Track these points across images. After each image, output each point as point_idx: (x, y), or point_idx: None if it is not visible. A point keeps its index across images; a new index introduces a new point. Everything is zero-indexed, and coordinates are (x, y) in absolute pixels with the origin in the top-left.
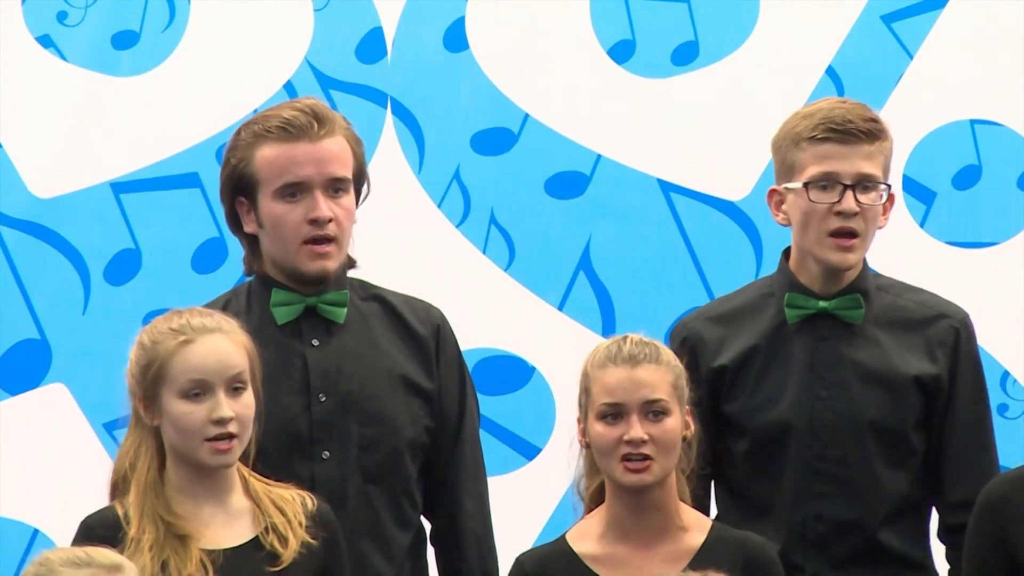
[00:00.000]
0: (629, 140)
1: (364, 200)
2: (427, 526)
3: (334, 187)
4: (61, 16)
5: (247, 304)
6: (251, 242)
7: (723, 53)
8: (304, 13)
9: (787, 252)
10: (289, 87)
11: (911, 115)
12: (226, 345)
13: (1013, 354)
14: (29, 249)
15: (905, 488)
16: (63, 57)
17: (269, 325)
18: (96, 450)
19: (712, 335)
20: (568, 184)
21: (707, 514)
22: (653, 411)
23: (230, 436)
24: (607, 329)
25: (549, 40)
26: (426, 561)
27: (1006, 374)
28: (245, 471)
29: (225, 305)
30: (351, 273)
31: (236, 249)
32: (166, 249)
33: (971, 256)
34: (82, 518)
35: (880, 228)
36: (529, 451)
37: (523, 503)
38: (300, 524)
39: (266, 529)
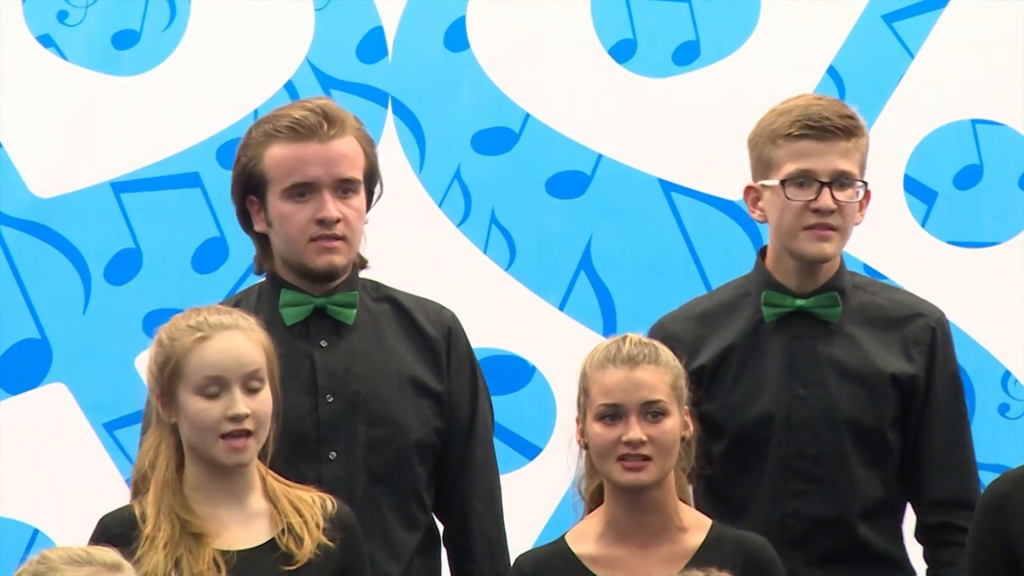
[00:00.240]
0: (630, 140)
1: (377, 201)
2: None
3: (343, 187)
4: (61, 16)
5: (257, 304)
6: (262, 241)
7: (724, 53)
8: (305, 13)
9: (763, 251)
10: (290, 87)
11: (912, 115)
12: (243, 342)
13: (1014, 354)
14: (29, 249)
15: (881, 487)
16: (63, 56)
17: (278, 325)
18: (96, 450)
19: (690, 335)
20: (569, 184)
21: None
22: (652, 412)
23: (246, 433)
24: (608, 329)
25: (550, 40)
26: (439, 562)
27: (1007, 374)
28: (264, 471)
29: (235, 305)
30: (363, 274)
31: (236, 249)
32: (166, 249)
33: (972, 256)
34: (88, 517)
35: (857, 224)
36: (530, 451)
37: (524, 503)
38: (317, 526)
39: (283, 531)
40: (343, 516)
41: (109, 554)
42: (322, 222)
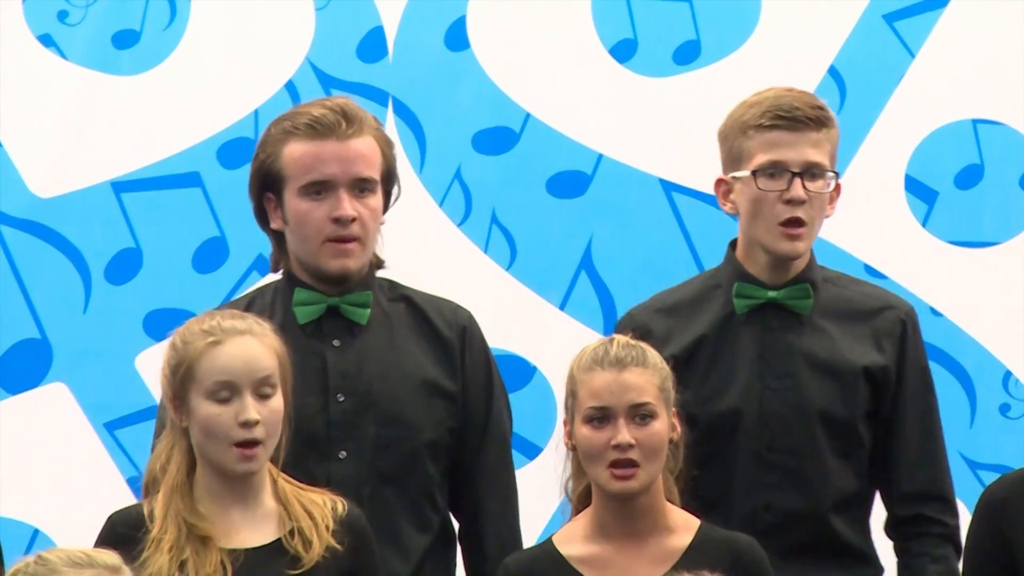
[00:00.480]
0: (631, 139)
1: (395, 202)
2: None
3: (360, 187)
4: (62, 15)
5: (272, 302)
6: (278, 239)
7: (725, 52)
8: (305, 12)
9: (733, 243)
10: (290, 87)
11: (913, 114)
12: (255, 347)
13: (1015, 354)
14: (29, 249)
15: (852, 479)
16: (64, 56)
17: (292, 324)
18: (96, 450)
19: (660, 327)
20: (569, 183)
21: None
22: (640, 415)
23: (256, 443)
24: (608, 329)
25: (551, 39)
26: (453, 562)
27: (1008, 374)
28: (275, 472)
29: (250, 303)
30: (380, 273)
31: (236, 249)
32: (167, 249)
33: (973, 256)
34: (88, 517)
35: (827, 217)
36: (530, 451)
37: (524, 503)
38: (327, 528)
39: (291, 532)
40: (353, 519)
41: (109, 556)
42: (338, 221)
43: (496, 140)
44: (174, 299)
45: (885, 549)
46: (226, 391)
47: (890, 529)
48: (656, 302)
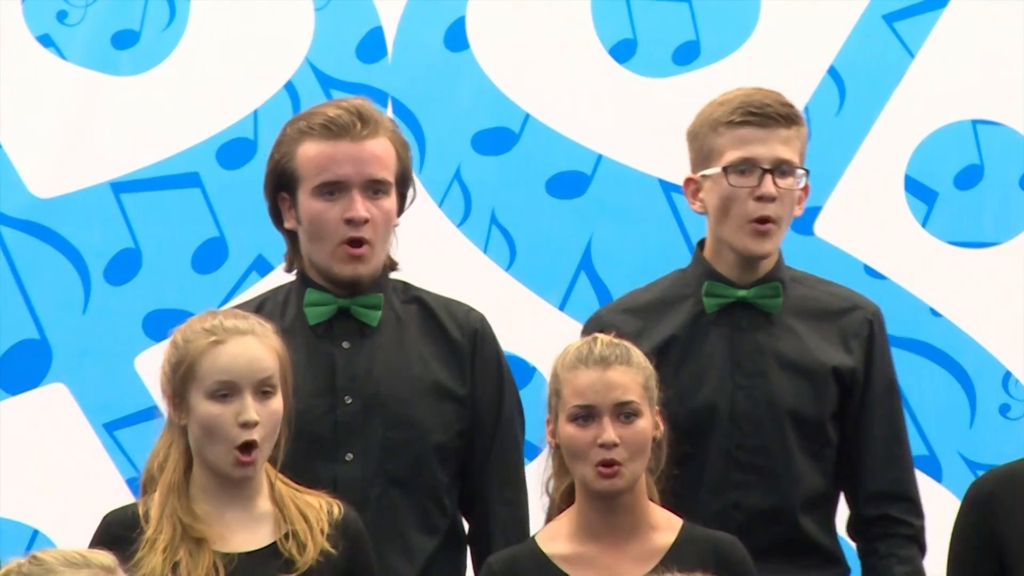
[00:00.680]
0: (630, 140)
1: (410, 205)
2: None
3: (373, 188)
4: (61, 15)
5: (284, 302)
6: (292, 239)
7: (724, 52)
8: (304, 13)
9: (702, 243)
10: (290, 87)
11: (913, 115)
12: (256, 348)
13: (1014, 354)
14: (29, 249)
15: (820, 479)
16: (63, 56)
17: (302, 325)
18: (96, 450)
19: (629, 327)
20: (569, 184)
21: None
22: (624, 413)
23: (253, 447)
24: None
25: (550, 39)
26: (462, 566)
27: (1008, 374)
28: (273, 474)
29: (262, 303)
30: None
31: (236, 249)
32: (166, 249)
33: (973, 256)
34: (88, 518)
35: (796, 217)
36: (530, 451)
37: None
38: (322, 532)
39: (286, 535)
40: (349, 522)
41: (105, 557)
42: (350, 222)
43: (496, 140)
44: (173, 299)
45: (849, 549)
46: (226, 390)
47: (854, 529)
48: (624, 303)
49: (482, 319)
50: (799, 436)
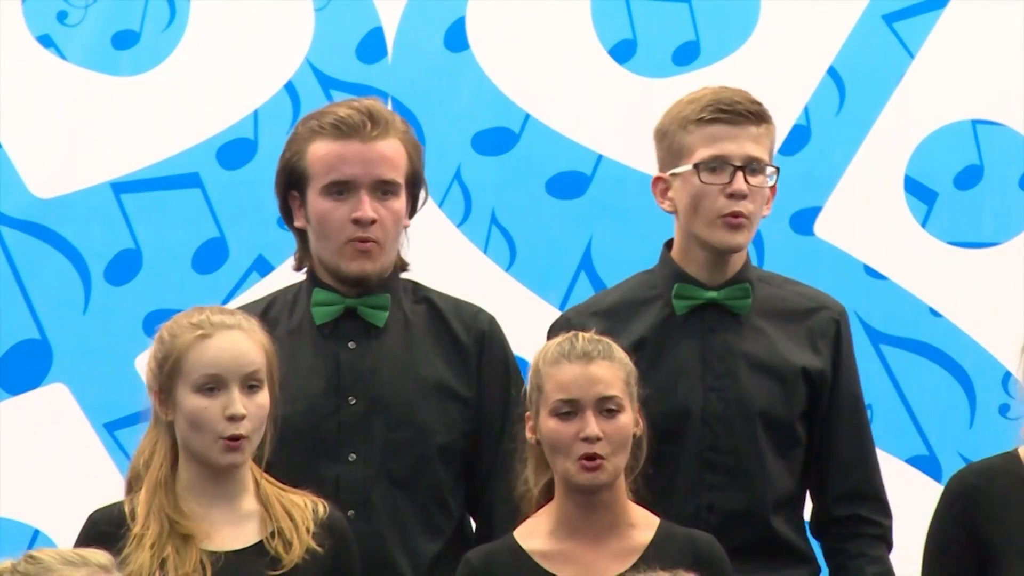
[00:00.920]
0: (630, 140)
1: (421, 207)
2: None
3: (382, 189)
4: (61, 16)
5: (293, 301)
6: (302, 237)
7: (724, 53)
8: (304, 13)
9: (669, 244)
10: (290, 87)
11: (913, 115)
12: (243, 342)
13: (1014, 354)
14: (29, 249)
15: (790, 479)
16: (63, 57)
17: (309, 324)
18: (96, 450)
19: (597, 330)
20: (569, 184)
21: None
22: (607, 408)
23: (241, 436)
24: None
25: (550, 40)
26: None
27: (1007, 374)
28: (258, 473)
29: (271, 303)
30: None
31: (236, 249)
32: (166, 249)
33: (973, 256)
34: (88, 514)
35: (764, 216)
36: None
37: None
38: (308, 530)
39: (272, 533)
40: (334, 521)
41: (102, 556)
42: (358, 222)
43: (496, 141)
44: (174, 300)
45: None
46: (213, 384)
47: (819, 528)
48: (591, 305)
49: (491, 320)
50: (770, 437)
